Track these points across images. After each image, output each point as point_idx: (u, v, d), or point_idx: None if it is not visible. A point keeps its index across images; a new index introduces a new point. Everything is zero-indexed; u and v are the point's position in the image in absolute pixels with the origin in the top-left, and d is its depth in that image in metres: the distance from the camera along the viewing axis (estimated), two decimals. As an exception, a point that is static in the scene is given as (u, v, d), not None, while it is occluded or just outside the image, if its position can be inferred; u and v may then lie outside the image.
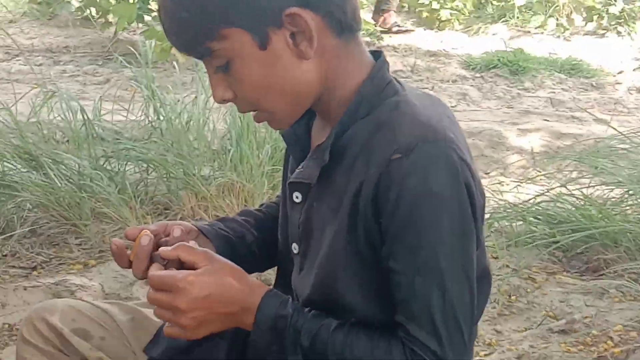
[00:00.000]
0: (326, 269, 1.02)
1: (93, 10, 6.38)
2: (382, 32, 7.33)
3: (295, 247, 1.09)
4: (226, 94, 0.98)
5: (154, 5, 6.02)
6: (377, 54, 1.04)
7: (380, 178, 0.92)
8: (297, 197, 1.06)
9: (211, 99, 2.83)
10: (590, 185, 2.59)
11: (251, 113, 1.04)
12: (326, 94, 1.00)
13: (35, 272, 2.13)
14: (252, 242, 1.18)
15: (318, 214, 1.04)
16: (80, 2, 6.53)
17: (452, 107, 5.14)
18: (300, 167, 1.05)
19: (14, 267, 2.15)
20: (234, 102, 1.01)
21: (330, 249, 1.00)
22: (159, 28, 5.54)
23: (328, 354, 0.96)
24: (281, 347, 0.98)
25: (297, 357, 0.98)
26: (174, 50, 5.35)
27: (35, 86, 3.61)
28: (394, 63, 6.20)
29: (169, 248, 0.99)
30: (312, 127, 1.10)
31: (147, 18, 5.84)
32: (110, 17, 6.17)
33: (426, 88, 5.57)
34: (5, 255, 2.20)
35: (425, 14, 8.13)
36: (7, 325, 1.87)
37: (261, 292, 0.98)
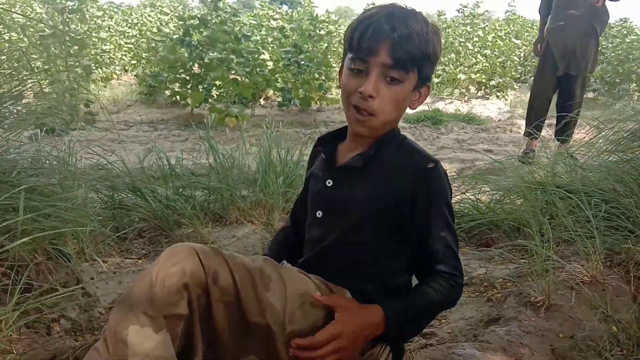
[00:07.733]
0: (359, 220, 1.01)
1: (178, 96, 6.39)
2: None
3: (319, 213, 1.07)
4: (373, 92, 0.94)
5: (214, 92, 6.03)
6: None
7: (419, 178, 0.97)
8: (329, 182, 1.06)
9: (244, 149, 2.82)
10: (481, 191, 2.56)
11: (354, 113, 0.98)
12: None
13: (140, 261, 2.10)
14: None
15: (347, 191, 1.03)
16: (170, 92, 6.56)
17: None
18: (350, 158, 1.04)
19: (127, 258, 2.12)
20: (366, 100, 0.95)
21: (363, 211, 1.00)
22: (218, 106, 5.55)
23: (423, 313, 1.04)
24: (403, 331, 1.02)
25: (415, 327, 1.06)
26: (225, 119, 5.36)
27: (142, 145, 3.63)
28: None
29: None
30: (337, 151, 1.10)
31: (210, 100, 5.85)
32: (189, 100, 6.18)
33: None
34: (123, 251, 2.17)
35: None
36: (121, 294, 1.83)
37: (378, 309, 0.97)
